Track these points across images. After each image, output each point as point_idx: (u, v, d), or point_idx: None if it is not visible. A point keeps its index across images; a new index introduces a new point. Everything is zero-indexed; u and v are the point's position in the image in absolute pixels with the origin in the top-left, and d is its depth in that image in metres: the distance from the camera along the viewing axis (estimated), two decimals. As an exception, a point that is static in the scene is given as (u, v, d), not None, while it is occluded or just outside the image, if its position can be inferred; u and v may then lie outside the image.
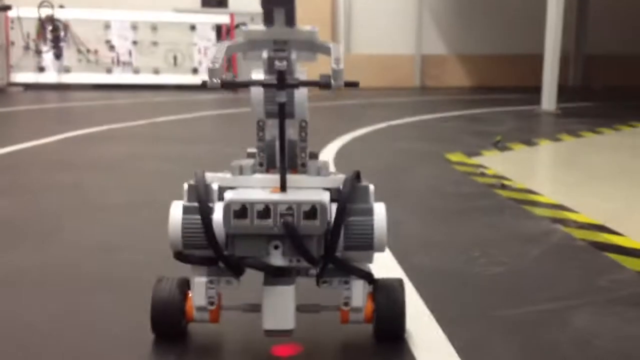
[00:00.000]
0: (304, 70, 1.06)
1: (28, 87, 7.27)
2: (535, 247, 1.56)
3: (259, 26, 1.02)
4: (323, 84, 0.94)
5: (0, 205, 1.97)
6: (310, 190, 0.95)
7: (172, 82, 7.92)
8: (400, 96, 6.94)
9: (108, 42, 7.72)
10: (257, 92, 1.02)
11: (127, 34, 7.78)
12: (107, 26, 7.71)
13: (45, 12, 7.39)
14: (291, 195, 0.92)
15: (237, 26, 7.98)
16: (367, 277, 0.94)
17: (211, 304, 0.94)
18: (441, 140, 3.48)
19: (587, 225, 1.77)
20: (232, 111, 5.15)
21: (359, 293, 0.94)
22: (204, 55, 7.95)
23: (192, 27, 7.97)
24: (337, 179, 0.98)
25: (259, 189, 0.96)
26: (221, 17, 8.08)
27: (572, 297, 1.25)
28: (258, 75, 1.03)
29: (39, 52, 7.44)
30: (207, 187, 0.95)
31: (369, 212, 0.95)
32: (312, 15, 8.14)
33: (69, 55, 7.58)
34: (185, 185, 0.96)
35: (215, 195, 0.97)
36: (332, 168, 2.36)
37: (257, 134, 1.04)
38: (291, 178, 0.97)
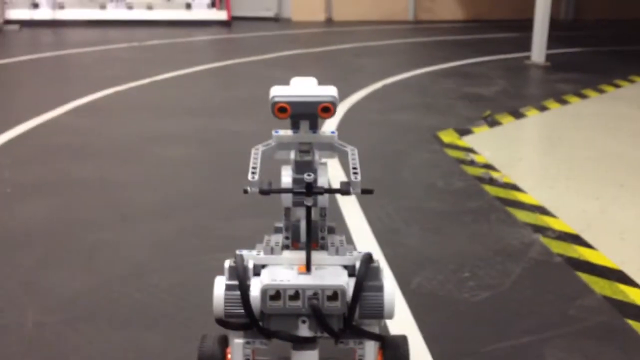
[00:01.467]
0: (325, 167, 1.25)
1: (23, 24, 7.27)
2: (517, 265, 1.79)
3: (287, 131, 1.21)
4: (344, 192, 1.14)
5: (32, 210, 2.17)
6: (331, 271, 1.15)
7: (165, 17, 7.92)
8: (394, 36, 7.01)
9: (100, -23, 7.67)
10: (287, 186, 1.21)
11: (119, -33, 7.71)
12: (98, -40, 7.63)
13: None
14: (316, 280, 1.12)
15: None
16: (378, 339, 1.17)
17: None
18: (433, 109, 3.66)
19: (564, 235, 1.99)
20: (231, 62, 5.25)
21: (371, 352, 1.17)
22: (197, -10, 7.91)
23: (185, -39, 7.89)
24: (353, 258, 1.19)
25: (288, 267, 1.16)
26: (214, -48, 7.98)
27: (545, 329, 1.49)
28: (287, 171, 1.23)
29: (32, -11, 7.40)
30: (245, 268, 1.15)
31: (380, 288, 1.15)
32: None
33: (62, -9, 7.54)
34: (227, 264, 1.16)
35: (251, 273, 1.17)
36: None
37: (284, 215, 1.24)
38: (314, 256, 1.16)
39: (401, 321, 1.48)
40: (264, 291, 1.09)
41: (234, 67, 5.12)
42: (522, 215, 2.15)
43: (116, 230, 2.01)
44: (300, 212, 1.25)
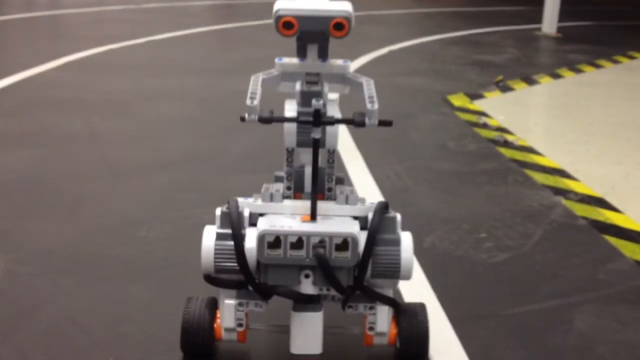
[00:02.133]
0: (335, 98, 1.09)
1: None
2: (538, 227, 1.64)
3: (292, 59, 1.05)
4: (357, 123, 0.97)
5: (13, 161, 2.02)
6: (340, 220, 0.97)
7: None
8: (399, 6, 6.82)
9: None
10: (290, 124, 1.05)
11: None
12: None
13: None
14: (323, 227, 0.95)
15: None
16: (392, 303, 1.01)
17: (239, 325, 0.99)
18: (443, 75, 3.49)
19: (587, 199, 1.84)
20: (229, 26, 5.07)
21: (383, 318, 1.00)
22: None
23: None
24: (365, 208, 1.02)
25: (289, 216, 0.99)
26: None
27: (574, 293, 1.34)
28: (291, 105, 1.06)
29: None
30: (239, 215, 0.97)
31: (396, 242, 0.98)
32: None
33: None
34: (218, 211, 0.99)
35: (247, 222, 0.99)
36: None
37: (286, 160, 1.08)
38: (320, 206, 0.99)
39: (414, 282, 1.33)
40: (261, 237, 0.92)
41: (234, 30, 4.94)
42: (540, 178, 2.00)
43: (104, 183, 1.86)
44: (306, 157, 1.09)
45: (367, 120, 0.97)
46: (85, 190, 1.79)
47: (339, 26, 0.99)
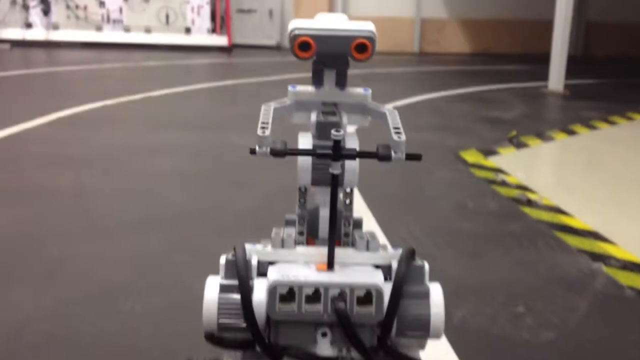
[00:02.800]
0: (354, 134, 0.93)
1: (15, 44, 7.00)
2: (582, 298, 1.44)
3: (307, 87, 0.90)
4: (382, 157, 0.82)
5: (-9, 219, 1.82)
6: (361, 269, 0.82)
7: (164, 41, 7.68)
8: (400, 64, 6.75)
9: (98, -3, 7.44)
10: (304, 159, 0.89)
11: (118, -11, 7.49)
12: (97, -19, 7.41)
13: (32, -35, 7.08)
14: (342, 277, 0.79)
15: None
16: (422, 366, 0.81)
17: None
18: (452, 129, 3.33)
19: (630, 265, 1.64)
20: (228, 83, 4.96)
21: None
22: (197, 14, 7.70)
23: (186, -16, 7.68)
24: (389, 255, 0.85)
25: (303, 265, 0.82)
26: (216, -25, 7.77)
27: (637, 380, 1.13)
28: (305, 138, 0.90)
29: (26, 7, 7.16)
30: (247, 263, 0.81)
31: (425, 295, 0.82)
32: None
33: (58, 11, 7.31)
34: (222, 260, 0.83)
35: (255, 271, 0.83)
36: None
37: (298, 200, 0.92)
38: (338, 253, 0.84)
39: (447, 365, 1.13)
40: (272, 289, 0.76)
41: (232, 86, 4.82)
42: (574, 241, 1.80)
43: (87, 244, 1.66)
44: (321, 197, 0.92)
45: (393, 154, 0.80)
46: (67, 252, 1.59)
47: (361, 48, 0.84)
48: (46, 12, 7.09)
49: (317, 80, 0.91)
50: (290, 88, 0.92)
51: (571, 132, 3.40)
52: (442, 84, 5.30)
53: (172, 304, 1.34)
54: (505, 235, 1.83)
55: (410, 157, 0.83)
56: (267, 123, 0.84)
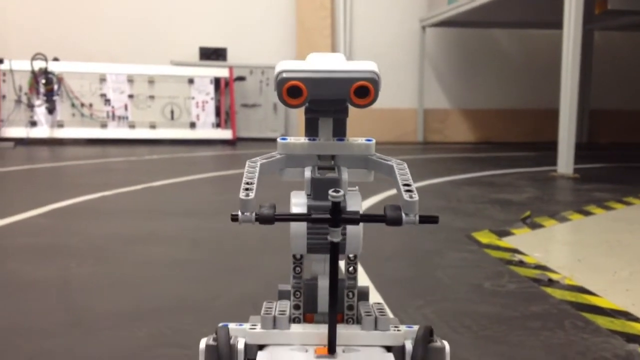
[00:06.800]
0: (357, 193, 0.80)
1: (19, 142, 7.01)
2: (621, 384, 1.26)
3: (300, 139, 0.77)
4: (391, 220, 0.68)
5: (-35, 311, 1.67)
6: (369, 353, 0.70)
7: (169, 136, 7.71)
8: (405, 152, 6.70)
9: (103, 95, 7.53)
10: (298, 224, 0.75)
11: (123, 87, 7.58)
12: (102, 79, 7.52)
13: (38, 64, 7.19)
14: None
15: (236, 79, 7.82)
16: None
17: None
18: (462, 212, 3.20)
19: (670, 346, 1.47)
20: (231, 172, 4.88)
21: None
22: (202, 110, 7.76)
23: (190, 81, 7.79)
24: (401, 334, 0.72)
25: (299, 349, 0.68)
26: (220, 71, 7.91)
27: None
28: (299, 198, 0.77)
29: (31, 106, 7.22)
30: (230, 348, 0.69)
31: None
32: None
33: (63, 109, 7.37)
34: (202, 345, 0.70)
35: (242, 356, 0.71)
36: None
37: (293, 270, 0.78)
38: (341, 333, 0.70)
39: None
40: None
41: (234, 175, 4.74)
42: (604, 322, 1.63)
43: (67, 338, 1.50)
44: (319, 267, 0.79)
45: (404, 216, 0.67)
46: (43, 347, 1.43)
47: (362, 91, 0.71)
48: (51, 110, 7.14)
49: (311, 130, 0.79)
50: (280, 140, 0.81)
51: (587, 213, 3.26)
52: (446, 169, 5.22)
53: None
54: (529, 318, 1.66)
55: (425, 219, 0.71)
56: (252, 184, 0.73)
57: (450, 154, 6.77)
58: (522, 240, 2.59)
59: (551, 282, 1.97)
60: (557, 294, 1.86)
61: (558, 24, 5.05)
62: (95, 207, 3.26)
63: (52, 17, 7.90)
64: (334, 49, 8.38)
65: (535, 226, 2.87)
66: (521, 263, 2.20)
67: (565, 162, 4.90)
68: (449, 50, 8.76)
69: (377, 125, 8.47)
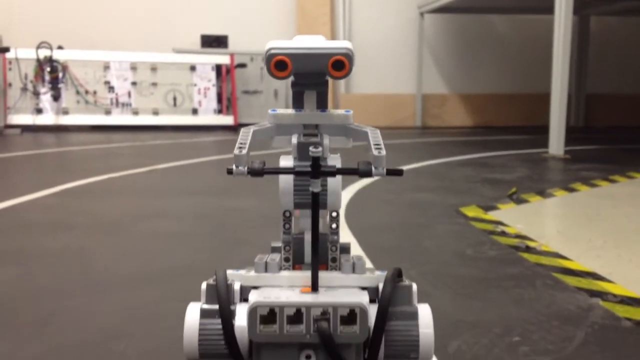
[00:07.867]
0: (337, 156, 0.95)
1: (25, 129, 7.16)
2: (578, 329, 1.42)
3: (287, 110, 0.91)
4: (363, 172, 0.82)
5: (-10, 275, 1.83)
6: (346, 290, 0.81)
7: (171, 123, 7.84)
8: (402, 137, 6.84)
9: (107, 83, 7.66)
10: (286, 181, 0.89)
11: (127, 74, 7.72)
12: (106, 67, 7.65)
13: (43, 53, 7.33)
14: (325, 297, 0.78)
15: (237, 66, 7.94)
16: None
17: None
18: (453, 190, 3.36)
19: (627, 300, 1.63)
20: (232, 156, 5.02)
21: None
22: (203, 96, 7.89)
23: (192, 68, 7.92)
24: (375, 277, 0.85)
25: (286, 288, 0.82)
26: (221, 58, 8.03)
27: (635, 400, 1.11)
28: (287, 162, 0.91)
29: (36, 94, 7.37)
30: (228, 288, 0.81)
31: (413, 315, 0.81)
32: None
33: (68, 96, 7.51)
34: (204, 285, 0.83)
35: (238, 296, 0.82)
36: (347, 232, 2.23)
37: (283, 226, 0.92)
38: (323, 276, 0.83)
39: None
40: (252, 310, 0.74)
41: (237, 160, 4.89)
42: (572, 281, 1.79)
43: (83, 298, 1.66)
44: (305, 222, 0.92)
45: (374, 169, 0.81)
46: (61, 306, 1.59)
47: (338, 65, 0.85)
48: (56, 97, 7.29)
49: (297, 103, 0.92)
50: (270, 112, 0.94)
51: (572, 190, 3.41)
52: (442, 151, 5.37)
53: (165, 346, 1.33)
54: (504, 278, 1.82)
55: (392, 172, 0.84)
56: (245, 144, 0.85)
57: (447, 138, 6.92)
58: (507, 214, 2.74)
59: (528, 249, 2.13)
60: (533, 258, 2.02)
61: (553, 10, 5.18)
62: (103, 188, 3.42)
63: (56, 6, 8.04)
64: (333, 35, 8.50)
65: (520, 202, 3.03)
66: (503, 233, 2.36)
67: (556, 143, 5.04)
68: (447, 36, 8.88)
69: (376, 110, 8.61)
